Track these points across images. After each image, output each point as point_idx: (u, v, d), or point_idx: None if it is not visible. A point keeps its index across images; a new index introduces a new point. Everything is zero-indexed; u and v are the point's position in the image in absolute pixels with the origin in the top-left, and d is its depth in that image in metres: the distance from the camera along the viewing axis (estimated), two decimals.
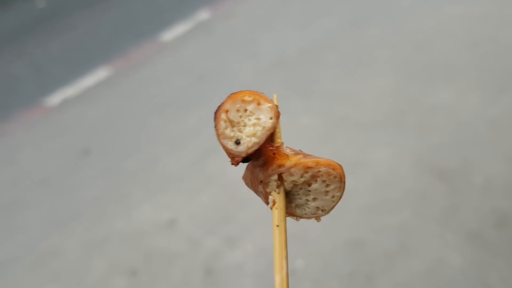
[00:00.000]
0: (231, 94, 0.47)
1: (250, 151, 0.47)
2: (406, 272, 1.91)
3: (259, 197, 0.53)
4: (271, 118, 0.47)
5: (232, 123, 0.46)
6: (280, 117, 0.48)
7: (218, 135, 0.46)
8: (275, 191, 0.49)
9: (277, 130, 0.48)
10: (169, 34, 4.59)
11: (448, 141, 2.49)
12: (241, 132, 0.47)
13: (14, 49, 5.15)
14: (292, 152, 0.49)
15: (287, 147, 0.49)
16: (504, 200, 2.09)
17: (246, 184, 0.53)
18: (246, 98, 0.47)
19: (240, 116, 0.47)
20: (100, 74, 4.16)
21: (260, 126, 0.47)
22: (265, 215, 2.29)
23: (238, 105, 0.47)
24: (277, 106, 0.48)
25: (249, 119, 0.47)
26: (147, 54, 4.34)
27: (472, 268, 1.86)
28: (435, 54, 3.27)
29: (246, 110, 0.47)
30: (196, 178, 2.66)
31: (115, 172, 2.90)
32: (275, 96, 0.49)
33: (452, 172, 2.29)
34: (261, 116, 0.47)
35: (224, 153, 0.47)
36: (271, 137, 0.48)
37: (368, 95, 3.00)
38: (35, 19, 5.81)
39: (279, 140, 0.49)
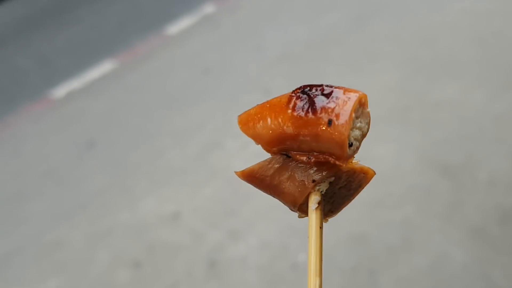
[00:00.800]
0: (356, 92, 0.44)
1: (353, 155, 0.45)
2: (409, 267, 1.91)
3: (272, 197, 0.50)
4: (367, 124, 0.45)
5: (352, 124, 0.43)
6: None
7: (346, 136, 0.42)
8: (321, 192, 0.47)
9: None
10: (175, 28, 4.58)
11: (452, 137, 2.48)
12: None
13: (19, 42, 5.17)
14: None
15: None
16: (508, 196, 2.09)
17: (258, 179, 0.49)
18: (363, 100, 0.44)
19: (355, 117, 0.44)
20: (105, 67, 4.17)
21: (361, 130, 0.45)
22: (268, 209, 2.30)
23: (357, 106, 0.44)
24: None
25: (356, 122, 0.44)
26: (153, 47, 4.33)
27: (475, 263, 1.86)
28: (440, 50, 3.25)
29: (357, 111, 0.44)
30: (200, 172, 2.67)
31: (119, 165, 2.91)
32: None
33: (456, 168, 2.28)
34: (363, 120, 0.45)
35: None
36: None
37: (373, 90, 2.98)
38: (41, 12, 5.82)
39: None
